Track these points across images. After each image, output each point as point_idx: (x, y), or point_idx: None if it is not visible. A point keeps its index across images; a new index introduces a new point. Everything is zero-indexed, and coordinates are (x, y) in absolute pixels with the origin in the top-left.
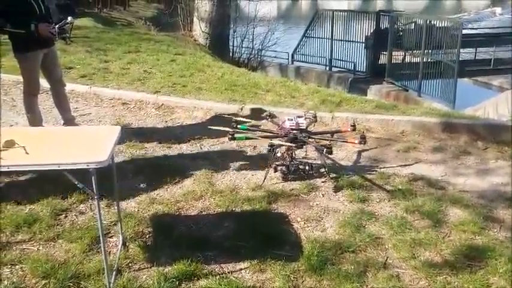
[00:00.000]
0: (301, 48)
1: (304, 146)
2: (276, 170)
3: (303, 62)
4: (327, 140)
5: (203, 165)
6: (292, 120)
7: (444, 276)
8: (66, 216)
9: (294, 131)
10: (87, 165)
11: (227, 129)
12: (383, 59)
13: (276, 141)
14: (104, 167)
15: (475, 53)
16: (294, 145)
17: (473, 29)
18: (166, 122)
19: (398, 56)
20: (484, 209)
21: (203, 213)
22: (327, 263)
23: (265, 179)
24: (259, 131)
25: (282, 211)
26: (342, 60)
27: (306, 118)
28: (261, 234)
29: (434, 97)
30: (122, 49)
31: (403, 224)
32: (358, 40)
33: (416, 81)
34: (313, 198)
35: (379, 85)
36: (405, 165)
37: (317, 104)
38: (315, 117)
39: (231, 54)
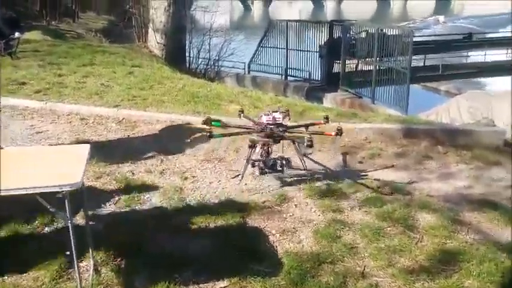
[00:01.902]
0: (257, 58)
1: (281, 141)
2: (253, 166)
3: (259, 71)
4: (304, 133)
5: (171, 180)
6: (268, 115)
7: (422, 283)
8: (31, 241)
9: (271, 126)
10: (60, 188)
11: (205, 126)
12: (337, 68)
13: (256, 137)
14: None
15: (424, 59)
16: (271, 140)
17: (422, 36)
18: (128, 136)
19: (351, 64)
20: (451, 213)
21: (176, 231)
22: (306, 276)
23: (242, 176)
24: (235, 127)
25: (256, 225)
26: (298, 70)
27: (280, 113)
28: (238, 249)
29: (387, 103)
30: (75, 62)
31: (377, 231)
32: (313, 50)
33: (370, 88)
34: (286, 209)
35: (334, 93)
36: (372, 172)
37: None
38: (288, 111)
39: (187, 65)
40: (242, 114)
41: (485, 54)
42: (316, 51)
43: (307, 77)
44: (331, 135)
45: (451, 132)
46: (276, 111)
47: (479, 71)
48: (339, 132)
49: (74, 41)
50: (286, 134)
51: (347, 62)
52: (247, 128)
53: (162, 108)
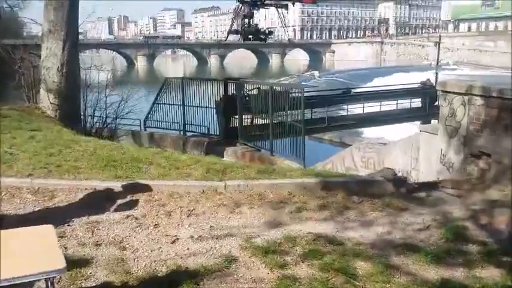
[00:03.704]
0: (153, 114)
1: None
2: (237, 33)
3: (156, 128)
4: None
5: (110, 251)
6: None
7: None
8: None
9: None
10: (47, 275)
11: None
12: (235, 122)
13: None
14: None
15: (311, 112)
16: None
17: (309, 91)
18: (48, 208)
19: (248, 118)
20: (382, 258)
21: None
22: None
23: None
24: None
25: None
26: (196, 125)
27: None
28: None
29: (285, 155)
30: None
31: (324, 284)
32: (210, 106)
33: (268, 141)
34: (235, 270)
35: (234, 147)
36: (302, 225)
37: (204, 174)
38: None
39: (82, 125)
40: None
41: (363, 107)
42: (213, 107)
43: (206, 132)
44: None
45: (363, 183)
46: None
47: (358, 121)
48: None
49: None
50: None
51: (244, 117)
52: None
53: (80, 175)
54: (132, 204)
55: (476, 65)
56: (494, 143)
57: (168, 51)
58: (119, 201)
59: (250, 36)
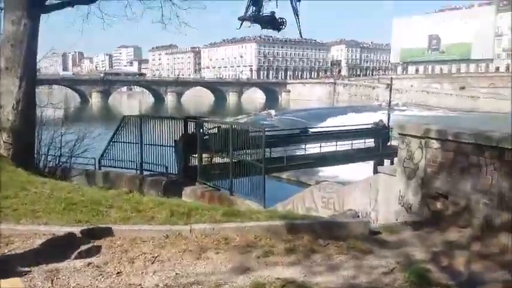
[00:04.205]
0: (108, 153)
1: None
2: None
3: (112, 167)
4: None
5: None
6: None
7: None
8: None
9: None
10: None
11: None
12: (194, 161)
13: None
14: None
15: (270, 152)
16: None
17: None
18: (4, 254)
19: (207, 157)
20: None
21: None
22: None
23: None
24: None
25: None
26: (154, 164)
27: None
28: None
29: (245, 195)
30: None
31: None
32: (168, 144)
33: (227, 181)
34: None
35: (193, 186)
36: (270, 270)
37: (168, 217)
38: None
39: (36, 163)
40: None
41: (320, 146)
42: (172, 146)
43: (164, 171)
44: None
45: (327, 225)
46: None
47: (316, 160)
48: None
49: None
50: None
51: (203, 155)
52: None
53: (38, 220)
54: (94, 250)
55: (424, 106)
56: (451, 184)
57: (124, 88)
58: (80, 248)
59: (266, 25)
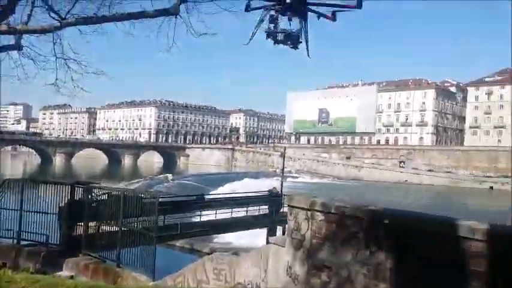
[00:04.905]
0: None
1: None
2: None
3: None
4: None
5: None
6: None
7: None
8: None
9: None
10: None
11: None
12: (79, 230)
13: None
14: None
15: (164, 219)
16: None
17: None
18: None
19: (95, 226)
20: None
21: None
22: None
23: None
24: None
25: None
26: (33, 233)
27: None
28: None
29: (133, 266)
30: None
31: None
32: (51, 211)
33: (115, 251)
34: None
35: (76, 258)
36: None
37: None
38: None
39: None
40: None
41: (215, 213)
42: (56, 213)
43: (45, 240)
44: None
45: None
46: None
47: (211, 228)
48: None
49: None
50: None
51: (90, 224)
52: None
53: None
54: None
55: (315, 174)
56: (334, 256)
57: (9, 147)
58: None
59: (280, 40)
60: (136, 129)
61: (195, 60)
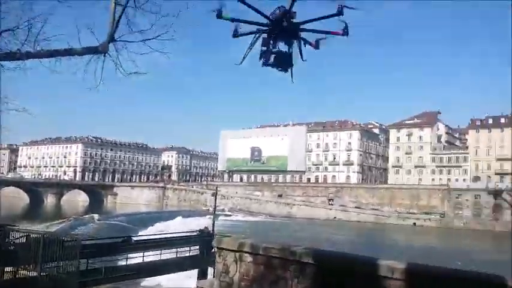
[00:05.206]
0: None
1: None
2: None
3: None
4: None
5: None
6: None
7: None
8: None
9: None
10: None
11: None
12: None
13: None
14: None
15: (87, 263)
16: None
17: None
18: None
19: (12, 271)
20: None
21: None
22: None
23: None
24: None
25: None
26: None
27: None
28: None
29: None
30: None
31: None
32: None
33: None
34: None
35: None
36: None
37: None
38: None
39: None
40: None
41: (143, 256)
42: None
43: None
44: None
45: None
46: None
47: (138, 271)
48: None
49: None
50: None
51: (6, 269)
52: None
53: None
54: None
55: (248, 212)
56: None
57: None
58: None
59: (272, 63)
60: (61, 166)
61: (126, 97)
